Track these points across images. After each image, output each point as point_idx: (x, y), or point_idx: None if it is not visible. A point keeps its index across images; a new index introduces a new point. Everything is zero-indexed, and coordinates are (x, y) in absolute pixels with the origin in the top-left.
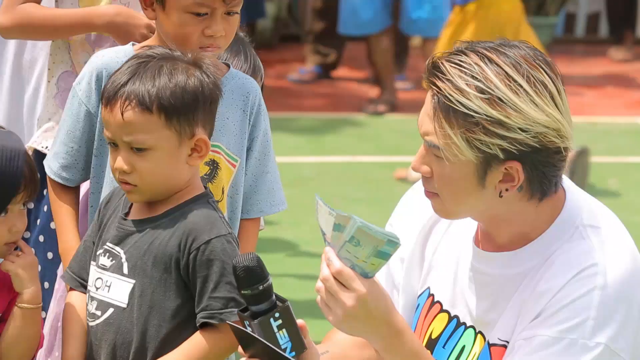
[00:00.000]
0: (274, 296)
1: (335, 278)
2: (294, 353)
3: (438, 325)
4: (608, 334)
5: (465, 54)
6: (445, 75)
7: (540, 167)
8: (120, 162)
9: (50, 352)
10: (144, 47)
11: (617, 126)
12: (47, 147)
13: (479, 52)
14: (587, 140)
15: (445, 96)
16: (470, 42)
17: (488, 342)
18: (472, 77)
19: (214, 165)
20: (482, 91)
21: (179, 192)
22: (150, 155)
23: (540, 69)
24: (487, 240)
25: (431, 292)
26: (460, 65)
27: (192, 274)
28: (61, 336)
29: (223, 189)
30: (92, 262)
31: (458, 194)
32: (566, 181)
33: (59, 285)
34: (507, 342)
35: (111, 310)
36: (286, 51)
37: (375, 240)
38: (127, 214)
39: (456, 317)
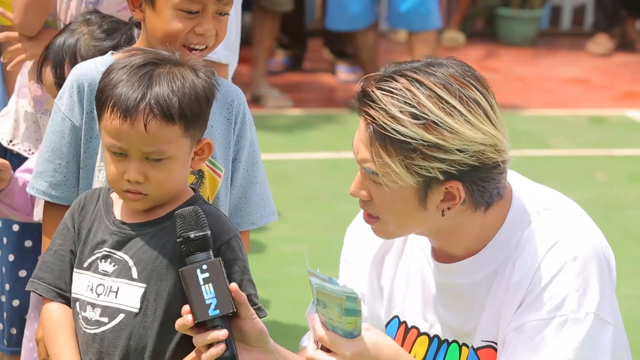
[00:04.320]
0: (210, 252)
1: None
2: (218, 311)
3: (419, 349)
4: (593, 302)
5: (395, 79)
6: (377, 103)
7: (480, 182)
8: (134, 174)
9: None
10: (130, 51)
11: (603, 119)
12: None
13: (408, 76)
14: (574, 134)
15: (380, 125)
16: (397, 64)
17: (472, 348)
18: (405, 103)
19: (199, 174)
20: (416, 117)
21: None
22: (166, 165)
23: (471, 86)
24: (443, 253)
25: (402, 320)
26: (392, 92)
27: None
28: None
29: (208, 198)
30: (80, 270)
31: (400, 217)
32: (509, 173)
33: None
34: (492, 342)
35: (122, 315)
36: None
37: (336, 300)
38: (114, 217)
39: (436, 336)
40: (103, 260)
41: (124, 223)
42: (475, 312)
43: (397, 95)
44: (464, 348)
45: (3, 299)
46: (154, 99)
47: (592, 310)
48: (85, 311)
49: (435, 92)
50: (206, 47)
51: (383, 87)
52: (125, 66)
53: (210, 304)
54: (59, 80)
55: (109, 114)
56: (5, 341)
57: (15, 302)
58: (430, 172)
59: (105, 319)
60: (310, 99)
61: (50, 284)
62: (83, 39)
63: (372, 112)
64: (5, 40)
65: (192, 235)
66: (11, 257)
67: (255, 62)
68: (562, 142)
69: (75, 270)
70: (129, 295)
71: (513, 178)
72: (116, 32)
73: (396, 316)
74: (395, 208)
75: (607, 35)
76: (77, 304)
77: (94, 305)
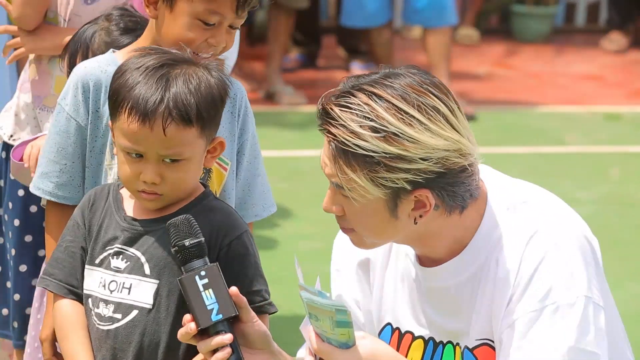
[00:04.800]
0: (206, 258)
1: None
2: (220, 316)
3: (416, 354)
4: (582, 285)
5: (352, 94)
6: (337, 120)
7: (449, 187)
8: (151, 175)
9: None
10: (137, 50)
11: (618, 116)
12: (0, 127)
13: (366, 90)
14: (588, 130)
15: (341, 142)
16: (355, 77)
17: (467, 348)
18: (364, 117)
19: (206, 170)
20: (376, 130)
21: None
22: (182, 166)
23: (429, 94)
24: (426, 257)
25: (395, 326)
26: (350, 108)
27: (224, 270)
28: (62, 348)
29: (215, 192)
30: (92, 266)
31: (373, 228)
32: (481, 169)
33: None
34: (487, 339)
35: (135, 312)
36: None
37: (327, 313)
38: (125, 213)
39: (431, 338)
40: (115, 256)
41: (135, 219)
42: (465, 312)
43: (355, 110)
44: (457, 348)
45: (9, 285)
46: (173, 103)
47: (583, 292)
48: (98, 307)
49: (393, 104)
50: (214, 56)
51: (341, 103)
52: (141, 67)
53: (212, 309)
54: (70, 70)
55: (125, 117)
56: (10, 329)
57: (17, 297)
58: (397, 183)
59: (118, 315)
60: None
61: (62, 281)
62: (98, 34)
63: (332, 129)
64: (3, 33)
65: (187, 243)
66: (13, 252)
67: (269, 59)
68: (576, 139)
69: (86, 266)
70: (142, 292)
71: (487, 175)
72: (133, 32)
73: (388, 323)
74: (368, 221)
75: (621, 32)
76: (90, 300)
77: (107, 302)
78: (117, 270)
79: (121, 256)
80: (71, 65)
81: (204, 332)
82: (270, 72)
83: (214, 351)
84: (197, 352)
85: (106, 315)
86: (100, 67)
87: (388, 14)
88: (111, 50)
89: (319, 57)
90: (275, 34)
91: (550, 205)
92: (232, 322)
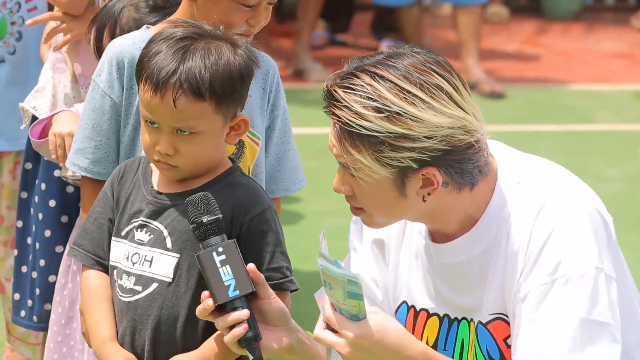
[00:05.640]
0: (224, 235)
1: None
2: (237, 292)
3: (431, 331)
4: (592, 256)
5: (356, 76)
6: (340, 102)
7: (456, 165)
8: (164, 146)
9: (67, 324)
10: (172, 22)
11: None
12: (34, 107)
13: (369, 71)
14: (616, 108)
15: (346, 123)
16: (359, 59)
17: (481, 323)
18: (367, 98)
19: (240, 145)
20: (379, 110)
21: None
22: (196, 139)
23: (432, 72)
24: (439, 233)
25: (410, 305)
26: (353, 89)
27: (245, 246)
28: (84, 318)
29: (249, 167)
30: (118, 238)
31: (383, 207)
32: (492, 145)
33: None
34: (501, 314)
35: (155, 285)
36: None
37: (340, 282)
38: (152, 187)
39: (446, 315)
40: (139, 229)
41: (160, 193)
42: (477, 287)
43: (358, 91)
44: (472, 324)
45: (34, 274)
46: (185, 75)
47: (593, 264)
48: (121, 279)
49: (396, 84)
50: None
51: (344, 84)
52: (166, 37)
53: (229, 285)
54: (97, 43)
55: (143, 85)
56: (35, 317)
57: (52, 278)
58: (402, 162)
59: (139, 288)
60: None
61: (89, 252)
62: (127, 9)
63: (336, 111)
64: (49, 20)
65: (204, 220)
66: (47, 233)
67: (298, 36)
68: (605, 117)
69: (113, 238)
70: (163, 265)
71: (498, 151)
72: (161, 10)
73: (404, 302)
74: (377, 200)
75: None
76: (115, 271)
77: (129, 274)
78: (141, 242)
79: (145, 229)
80: (97, 38)
81: (222, 309)
82: (299, 49)
83: (231, 327)
84: (216, 329)
85: (128, 287)
86: (135, 44)
87: None
88: (145, 26)
89: (349, 34)
90: (305, 11)
91: (561, 179)
92: (250, 299)
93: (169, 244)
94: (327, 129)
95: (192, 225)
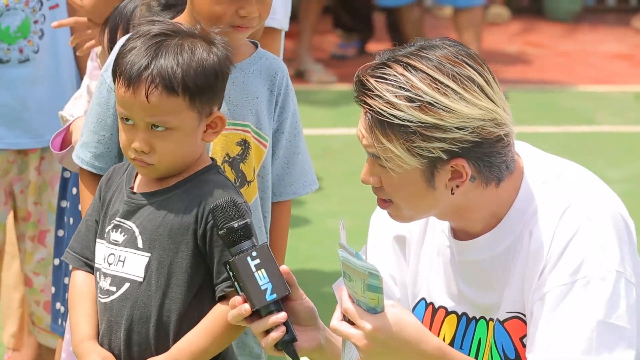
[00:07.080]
0: (254, 238)
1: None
2: (274, 295)
3: (448, 329)
4: (614, 260)
5: (388, 66)
6: (372, 91)
7: (485, 158)
8: (140, 143)
9: None
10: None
11: None
12: (72, 115)
13: (401, 62)
14: (618, 110)
15: (377, 112)
16: (391, 50)
17: (499, 321)
18: (400, 87)
19: (245, 145)
20: (411, 100)
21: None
22: (171, 135)
23: (464, 64)
24: (463, 232)
25: (428, 302)
26: (385, 79)
27: (210, 243)
28: (70, 317)
29: (254, 169)
30: (99, 240)
31: (411, 199)
32: (519, 145)
33: None
34: (519, 312)
35: (127, 285)
36: (320, 22)
37: (360, 275)
38: (132, 187)
39: (464, 314)
40: (114, 230)
41: (134, 193)
42: (498, 286)
43: (390, 81)
44: (490, 323)
45: (67, 280)
46: (157, 70)
47: (615, 267)
48: (100, 280)
49: (428, 74)
50: (251, 27)
51: (377, 74)
52: (141, 35)
53: (266, 289)
54: (111, 44)
55: (117, 81)
56: (64, 323)
57: None
58: (433, 153)
59: (113, 288)
60: (354, 74)
61: (78, 253)
62: (139, 9)
63: (368, 100)
64: (74, 25)
65: (235, 225)
66: None
67: (300, 37)
68: (607, 118)
69: (97, 240)
70: (134, 265)
71: (524, 151)
72: (174, 8)
73: (423, 298)
74: (405, 191)
75: None
76: (97, 273)
77: (106, 275)
78: (116, 243)
79: (120, 229)
80: (111, 40)
81: (254, 313)
82: (301, 50)
83: (267, 331)
84: (188, 330)
85: (105, 288)
86: None
87: None
88: None
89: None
90: (306, 12)
91: (587, 181)
92: (282, 300)
93: (140, 244)
94: (329, 130)
95: (222, 231)
